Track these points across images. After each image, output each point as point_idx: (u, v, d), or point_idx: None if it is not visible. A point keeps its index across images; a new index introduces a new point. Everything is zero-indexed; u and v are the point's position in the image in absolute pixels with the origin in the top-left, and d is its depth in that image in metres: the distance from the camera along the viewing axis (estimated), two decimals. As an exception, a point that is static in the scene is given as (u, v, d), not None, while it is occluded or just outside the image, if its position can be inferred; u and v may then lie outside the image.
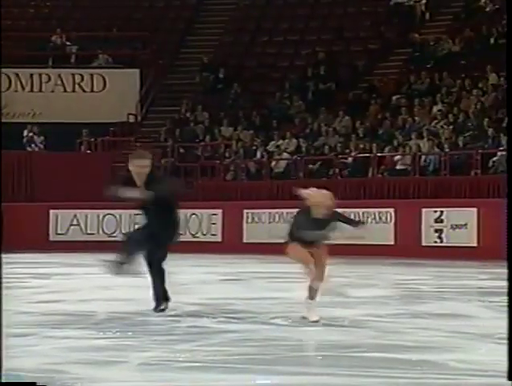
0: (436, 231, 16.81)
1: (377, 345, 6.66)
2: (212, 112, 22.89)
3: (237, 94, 23.44)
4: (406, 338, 6.91)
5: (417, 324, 7.71)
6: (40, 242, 19.38)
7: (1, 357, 4.38)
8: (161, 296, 8.15)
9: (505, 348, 6.36)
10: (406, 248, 16.69)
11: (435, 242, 16.79)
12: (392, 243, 17.15)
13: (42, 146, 22.26)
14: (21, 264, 15.17)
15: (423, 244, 16.90)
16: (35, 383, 4.79)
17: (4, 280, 12.19)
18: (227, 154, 21.19)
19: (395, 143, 19.47)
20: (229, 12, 26.07)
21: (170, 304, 9.06)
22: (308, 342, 6.78)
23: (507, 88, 4.52)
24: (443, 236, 16.75)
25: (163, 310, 8.11)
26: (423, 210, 16.91)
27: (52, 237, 19.92)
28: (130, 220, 19.84)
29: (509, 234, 4.36)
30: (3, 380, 4.42)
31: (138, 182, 8.16)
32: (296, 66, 23.96)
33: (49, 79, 23.44)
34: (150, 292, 8.27)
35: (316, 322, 7.56)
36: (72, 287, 10.95)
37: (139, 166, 8.09)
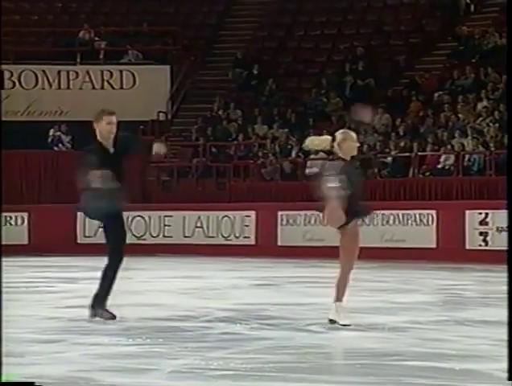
0: (481, 234, 16.71)
1: (418, 353, 6.65)
2: (246, 110, 22.92)
3: (272, 91, 23.45)
4: (448, 347, 6.89)
5: (460, 332, 7.68)
6: (67, 245, 19.52)
7: (1, 357, 4.44)
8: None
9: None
10: (449, 251, 16.60)
11: (480, 245, 16.69)
12: (434, 246, 17.06)
13: (69, 146, 22.41)
14: (48, 268, 15.31)
15: (467, 247, 16.80)
16: (33, 383, 4.84)
17: (32, 284, 12.34)
18: (260, 154, 21.21)
19: (437, 142, 19.37)
20: (264, 5, 26.09)
21: (202, 310, 9.10)
22: (346, 350, 6.78)
23: (507, 88, 4.49)
24: (488, 239, 16.64)
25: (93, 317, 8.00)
26: (467, 212, 16.81)
27: (80, 240, 20.05)
28: (159, 222, 19.96)
29: (510, 236, 4.35)
30: (3, 380, 4.49)
31: (108, 145, 7.89)
32: (333, 61, 23.92)
33: (77, 75, 23.61)
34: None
35: (348, 325, 7.56)
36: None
37: (110, 124, 7.89)
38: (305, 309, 9.30)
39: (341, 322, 7.58)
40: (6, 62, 23.44)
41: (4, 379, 4.51)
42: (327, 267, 15.45)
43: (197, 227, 19.58)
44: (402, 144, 19.67)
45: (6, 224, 20.32)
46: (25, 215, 20.34)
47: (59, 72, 23.57)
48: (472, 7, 23.82)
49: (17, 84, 23.42)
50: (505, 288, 12.25)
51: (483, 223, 16.73)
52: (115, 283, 8.08)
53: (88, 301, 8.31)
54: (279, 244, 18.65)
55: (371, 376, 5.72)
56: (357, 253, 7.71)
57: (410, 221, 17.41)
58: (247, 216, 19.08)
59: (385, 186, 18.90)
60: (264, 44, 25.08)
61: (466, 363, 6.15)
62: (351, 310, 9.10)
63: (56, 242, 19.48)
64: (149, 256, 17.75)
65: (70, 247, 19.49)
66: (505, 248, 17.12)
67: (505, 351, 6.73)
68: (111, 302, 8.44)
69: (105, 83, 23.69)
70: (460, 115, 19.97)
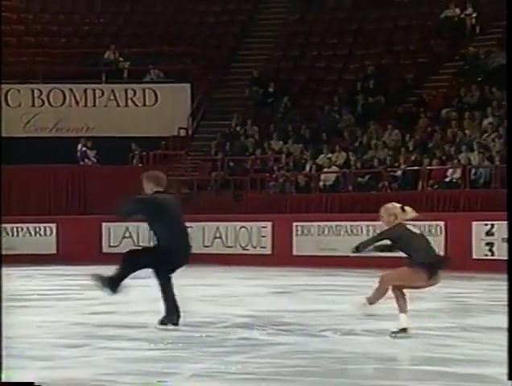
0: (487, 244, 16.64)
1: (426, 358, 6.63)
2: (262, 126, 22.95)
3: (287, 108, 23.48)
4: (455, 352, 6.87)
5: (466, 337, 7.66)
6: (93, 254, 19.57)
7: (1, 357, 4.40)
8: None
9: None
10: (457, 260, 16.49)
11: (486, 255, 16.62)
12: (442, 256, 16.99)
13: (95, 160, 22.50)
14: (74, 276, 15.35)
15: (474, 257, 16.73)
16: (33, 383, 4.81)
17: (60, 291, 12.31)
18: (276, 168, 21.22)
19: (445, 156, 19.33)
20: (278, 27, 26.16)
21: (221, 316, 9.09)
22: (358, 355, 6.76)
23: (507, 89, 4.44)
24: (494, 249, 16.56)
25: (175, 324, 8.05)
26: (474, 223, 16.75)
27: (105, 249, 20.10)
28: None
29: (510, 239, 4.31)
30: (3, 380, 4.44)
31: None
32: (345, 80, 23.92)
33: (102, 94, 23.72)
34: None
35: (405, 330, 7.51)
36: (124, 299, 11.03)
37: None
38: (319, 315, 9.29)
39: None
40: (36, 81, 23.61)
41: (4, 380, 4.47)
42: (340, 275, 15.44)
43: (216, 237, 19.59)
44: (412, 158, 19.63)
45: (35, 235, 20.44)
46: (53, 225, 20.42)
47: (85, 91, 23.68)
48: (478, 28, 23.79)
49: (46, 102, 23.56)
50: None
51: (489, 233, 16.67)
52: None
53: (113, 307, 8.31)
54: (294, 253, 18.63)
55: (382, 380, 5.71)
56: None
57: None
58: (263, 227, 19.08)
59: (395, 199, 18.78)
60: (279, 64, 25.12)
61: (472, 368, 6.13)
62: (363, 317, 9.09)
63: (83, 251, 19.53)
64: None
65: (96, 256, 19.52)
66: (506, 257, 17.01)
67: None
68: (135, 309, 8.47)
69: (129, 101, 23.79)
70: (466, 131, 19.91)
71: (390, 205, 7.89)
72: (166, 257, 8.22)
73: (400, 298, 7.65)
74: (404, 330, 7.50)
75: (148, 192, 8.34)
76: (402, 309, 7.59)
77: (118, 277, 8.20)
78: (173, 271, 8.32)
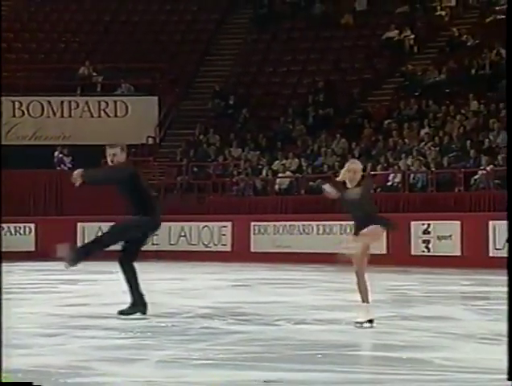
0: (424, 241, 16.79)
1: (371, 344, 6.66)
2: (223, 135, 22.95)
3: (246, 119, 23.49)
4: (396, 338, 6.90)
5: (406, 326, 7.70)
6: (69, 251, 19.39)
7: (1, 357, 4.28)
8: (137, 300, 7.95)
9: (486, 347, 6.35)
10: (397, 256, 16.66)
11: (423, 251, 16.77)
12: (385, 252, 17.11)
13: (70, 166, 22.34)
14: (51, 272, 15.18)
15: (412, 253, 16.86)
16: (31, 383, 4.69)
17: (38, 285, 12.18)
18: (235, 172, 21.22)
19: (387, 162, 19.47)
20: (238, 46, 26.18)
21: (185, 307, 9.04)
22: (309, 342, 6.77)
23: (507, 88, 4.44)
24: (430, 246, 16.72)
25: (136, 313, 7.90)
26: (412, 223, 16.89)
27: (80, 247, 19.93)
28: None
29: (510, 238, 4.30)
30: (3, 380, 4.29)
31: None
32: (298, 94, 24.00)
33: (77, 105, 23.55)
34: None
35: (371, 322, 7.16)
36: (97, 292, 10.96)
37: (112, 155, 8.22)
38: (274, 306, 9.29)
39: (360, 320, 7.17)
40: (16, 94, 23.37)
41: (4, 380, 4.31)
42: (294, 270, 15.48)
43: (181, 236, 19.54)
44: (358, 164, 19.71)
45: (16, 234, 20.22)
46: (32, 225, 20.25)
47: (62, 103, 23.50)
48: (416, 48, 24.02)
49: (25, 113, 23.34)
50: (444, 288, 12.34)
51: (426, 232, 16.81)
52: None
53: (86, 300, 8.22)
54: (252, 250, 18.64)
55: (331, 365, 5.72)
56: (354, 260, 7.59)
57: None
58: (224, 227, 19.06)
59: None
60: (239, 79, 25.14)
61: (412, 353, 6.16)
62: (314, 308, 9.10)
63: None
64: (139, 261, 17.64)
65: (71, 253, 19.33)
66: (448, 254, 17.06)
67: (444, 342, 6.75)
68: (106, 301, 8.38)
69: (102, 112, 23.65)
70: (405, 140, 20.08)
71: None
72: (151, 224, 7.92)
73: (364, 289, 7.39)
74: (371, 321, 7.13)
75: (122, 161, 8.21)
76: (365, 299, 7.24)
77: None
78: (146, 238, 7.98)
